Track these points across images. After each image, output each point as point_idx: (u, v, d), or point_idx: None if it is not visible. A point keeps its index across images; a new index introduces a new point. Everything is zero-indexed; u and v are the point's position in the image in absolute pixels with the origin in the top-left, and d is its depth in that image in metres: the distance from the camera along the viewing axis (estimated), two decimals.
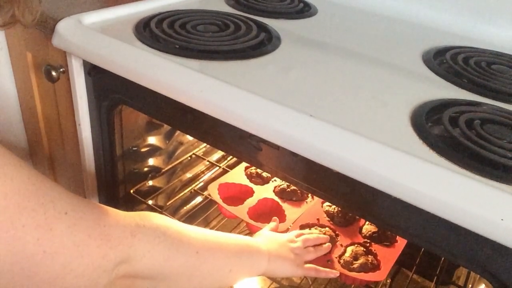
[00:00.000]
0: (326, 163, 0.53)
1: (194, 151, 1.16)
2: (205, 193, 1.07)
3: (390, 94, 0.65)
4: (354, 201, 0.57)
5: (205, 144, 1.17)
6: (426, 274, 1.03)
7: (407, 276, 1.00)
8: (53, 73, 0.81)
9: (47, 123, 0.98)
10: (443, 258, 0.92)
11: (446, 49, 0.83)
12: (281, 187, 1.00)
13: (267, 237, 0.78)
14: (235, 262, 0.64)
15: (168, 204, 1.08)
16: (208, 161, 1.19)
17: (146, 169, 1.01)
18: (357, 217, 0.92)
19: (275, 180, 1.03)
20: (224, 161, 1.25)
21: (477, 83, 0.71)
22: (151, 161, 1.02)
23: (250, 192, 0.99)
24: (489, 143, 0.53)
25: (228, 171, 1.10)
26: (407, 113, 0.60)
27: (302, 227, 0.90)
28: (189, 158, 1.14)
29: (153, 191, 1.04)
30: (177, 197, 1.09)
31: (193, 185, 1.14)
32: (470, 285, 0.90)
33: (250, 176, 1.04)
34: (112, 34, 0.73)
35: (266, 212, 0.95)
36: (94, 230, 0.45)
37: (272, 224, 0.85)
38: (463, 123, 0.56)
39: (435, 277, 0.90)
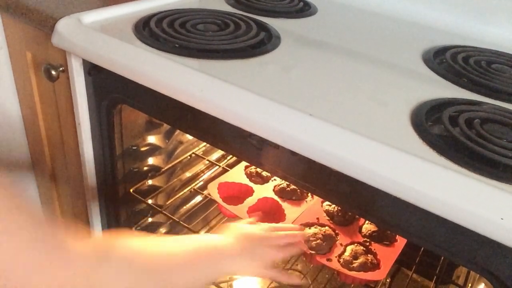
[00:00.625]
0: (326, 163, 0.53)
1: (194, 150, 1.15)
2: (205, 192, 1.07)
3: (390, 94, 0.65)
4: (354, 200, 0.57)
5: (204, 143, 1.17)
6: (426, 273, 1.03)
7: (407, 276, 1.00)
8: (53, 72, 0.81)
9: (47, 122, 0.98)
10: (443, 258, 0.92)
11: (446, 49, 0.83)
12: (281, 186, 1.00)
13: (238, 233, 0.74)
14: (198, 275, 0.63)
15: (167, 203, 1.08)
16: (208, 160, 1.19)
17: (145, 168, 1.01)
18: (357, 216, 0.92)
19: (275, 179, 1.03)
20: (224, 160, 1.24)
21: (477, 82, 0.71)
22: (151, 160, 1.02)
23: (250, 191, 0.99)
24: (489, 142, 0.53)
25: (228, 170, 1.10)
26: (407, 113, 0.60)
27: (302, 226, 0.90)
28: (188, 157, 1.14)
29: (153, 190, 1.04)
30: (176, 196, 1.09)
31: (193, 184, 1.14)
32: (470, 285, 0.90)
33: (250, 175, 1.04)
34: (112, 33, 0.73)
35: (266, 211, 0.95)
36: (57, 259, 0.44)
37: (250, 219, 0.83)
38: (463, 122, 0.56)
39: (435, 277, 0.90)
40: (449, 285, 0.97)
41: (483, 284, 0.87)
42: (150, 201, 1.01)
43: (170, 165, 1.08)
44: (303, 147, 0.55)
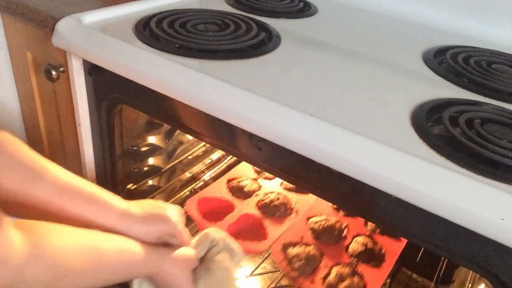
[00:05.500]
0: (326, 163, 0.53)
1: (194, 150, 1.15)
2: (184, 208, 0.94)
3: (390, 94, 0.65)
4: (354, 201, 0.57)
5: (205, 143, 1.17)
6: (426, 273, 1.03)
7: (407, 276, 1.00)
8: (53, 73, 0.81)
9: (47, 122, 0.98)
10: (443, 258, 0.92)
11: (446, 49, 0.83)
12: (264, 202, 0.94)
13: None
14: (117, 276, 0.56)
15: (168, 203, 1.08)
16: (208, 160, 1.18)
17: (146, 168, 1.01)
18: (343, 235, 0.87)
19: (257, 195, 0.98)
20: (224, 160, 1.24)
21: (477, 83, 0.71)
22: (151, 161, 1.02)
23: (231, 207, 0.93)
24: (489, 142, 0.53)
25: (228, 171, 1.09)
26: (407, 113, 0.60)
27: (285, 246, 0.85)
28: (189, 157, 1.14)
29: (153, 190, 1.04)
30: (177, 197, 1.09)
31: (193, 185, 1.14)
32: (470, 285, 0.90)
33: (232, 190, 0.99)
34: (112, 33, 0.73)
35: (247, 229, 0.90)
36: None
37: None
38: (463, 123, 0.56)
39: (435, 277, 0.90)
40: (449, 285, 0.97)
41: (483, 285, 0.87)
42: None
43: (170, 165, 1.08)
44: (303, 147, 0.55)
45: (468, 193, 0.46)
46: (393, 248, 0.86)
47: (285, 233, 0.88)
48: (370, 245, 0.86)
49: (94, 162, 0.90)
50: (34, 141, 1.05)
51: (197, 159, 1.18)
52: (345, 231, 0.89)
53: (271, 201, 0.94)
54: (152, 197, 1.03)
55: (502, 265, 0.48)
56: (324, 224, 0.89)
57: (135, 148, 0.95)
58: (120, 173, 0.92)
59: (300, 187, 0.94)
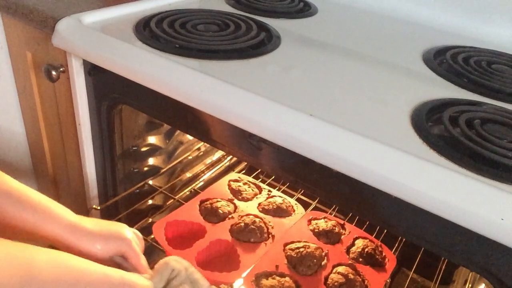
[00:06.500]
0: (326, 163, 0.54)
1: (194, 150, 1.15)
2: (150, 237, 0.87)
3: (390, 94, 0.65)
4: (354, 201, 0.57)
5: (205, 143, 1.17)
6: (426, 273, 1.03)
7: (407, 276, 1.00)
8: (53, 73, 0.81)
9: (47, 123, 0.98)
10: (443, 258, 0.92)
11: (446, 49, 0.83)
12: (238, 225, 0.85)
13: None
14: None
15: (167, 203, 1.08)
16: (208, 160, 1.18)
17: (146, 168, 1.01)
18: (323, 264, 0.80)
19: (232, 218, 0.88)
20: (224, 160, 1.25)
21: (477, 83, 0.71)
22: (151, 161, 1.02)
23: (202, 232, 0.84)
24: (489, 142, 0.53)
25: (228, 171, 1.09)
26: (407, 113, 0.60)
27: (258, 276, 0.77)
28: (189, 157, 1.14)
29: (153, 190, 1.04)
30: (177, 197, 1.09)
31: (193, 185, 1.14)
32: (470, 285, 0.90)
33: (204, 212, 0.89)
34: (112, 33, 0.73)
35: (218, 256, 0.82)
36: None
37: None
38: (463, 123, 0.57)
39: (435, 277, 0.90)
40: (449, 285, 0.97)
41: (483, 285, 0.87)
42: (150, 202, 1.01)
43: (170, 166, 1.08)
44: (303, 148, 0.55)
45: (468, 193, 0.46)
46: (376, 279, 0.79)
47: (259, 261, 0.79)
48: (351, 276, 0.78)
49: (94, 162, 0.90)
50: (34, 142, 1.05)
51: (197, 159, 1.18)
52: (325, 260, 0.80)
53: (246, 225, 0.85)
54: (152, 198, 1.03)
55: (502, 265, 0.48)
56: (302, 252, 0.80)
57: (135, 148, 0.95)
58: (120, 173, 0.92)
59: (300, 187, 0.94)
